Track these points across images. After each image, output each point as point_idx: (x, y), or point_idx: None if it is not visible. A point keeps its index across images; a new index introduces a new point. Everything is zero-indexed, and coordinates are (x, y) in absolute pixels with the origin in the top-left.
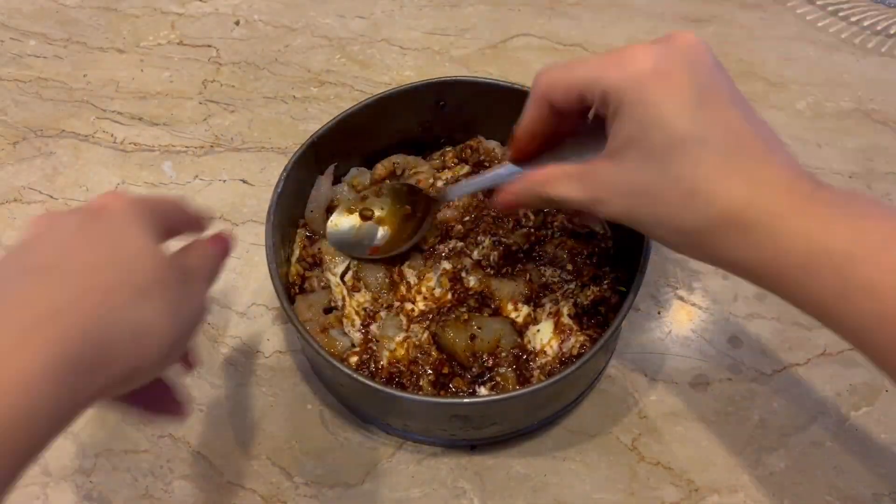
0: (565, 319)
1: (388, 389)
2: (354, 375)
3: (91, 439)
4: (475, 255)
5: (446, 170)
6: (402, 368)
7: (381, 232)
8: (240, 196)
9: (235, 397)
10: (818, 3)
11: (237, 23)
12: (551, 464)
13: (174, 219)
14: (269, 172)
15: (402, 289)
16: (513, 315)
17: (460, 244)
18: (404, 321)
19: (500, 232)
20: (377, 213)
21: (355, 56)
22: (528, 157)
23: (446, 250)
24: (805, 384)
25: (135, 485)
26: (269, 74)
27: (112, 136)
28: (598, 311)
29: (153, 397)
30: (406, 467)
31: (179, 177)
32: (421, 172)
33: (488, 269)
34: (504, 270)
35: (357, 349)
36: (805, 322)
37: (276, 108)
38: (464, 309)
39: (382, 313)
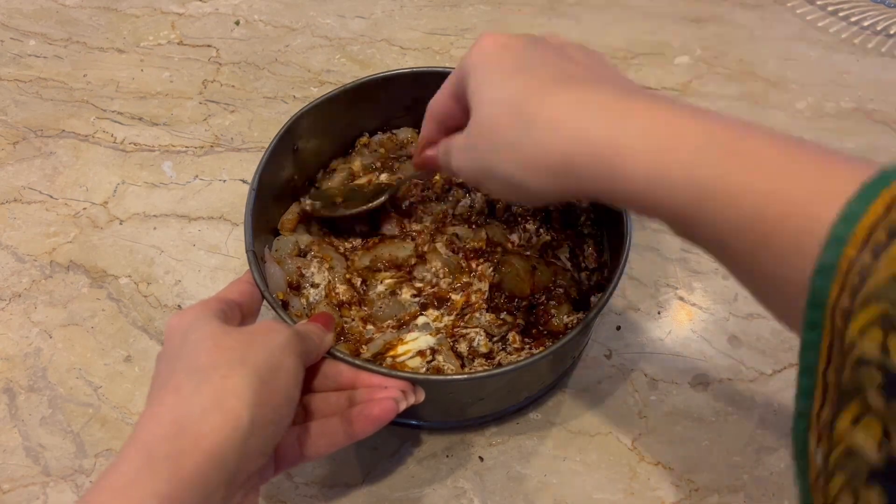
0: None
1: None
2: (338, 354)
3: (91, 439)
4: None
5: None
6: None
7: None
8: (240, 196)
9: None
10: (818, 3)
11: (237, 23)
12: (551, 464)
13: (313, 356)
14: None
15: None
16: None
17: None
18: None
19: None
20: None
21: (355, 56)
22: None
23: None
24: None
25: None
26: (269, 74)
27: (112, 136)
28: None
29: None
30: (406, 467)
31: (179, 177)
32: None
33: (481, 220)
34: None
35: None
36: None
37: (276, 108)
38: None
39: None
